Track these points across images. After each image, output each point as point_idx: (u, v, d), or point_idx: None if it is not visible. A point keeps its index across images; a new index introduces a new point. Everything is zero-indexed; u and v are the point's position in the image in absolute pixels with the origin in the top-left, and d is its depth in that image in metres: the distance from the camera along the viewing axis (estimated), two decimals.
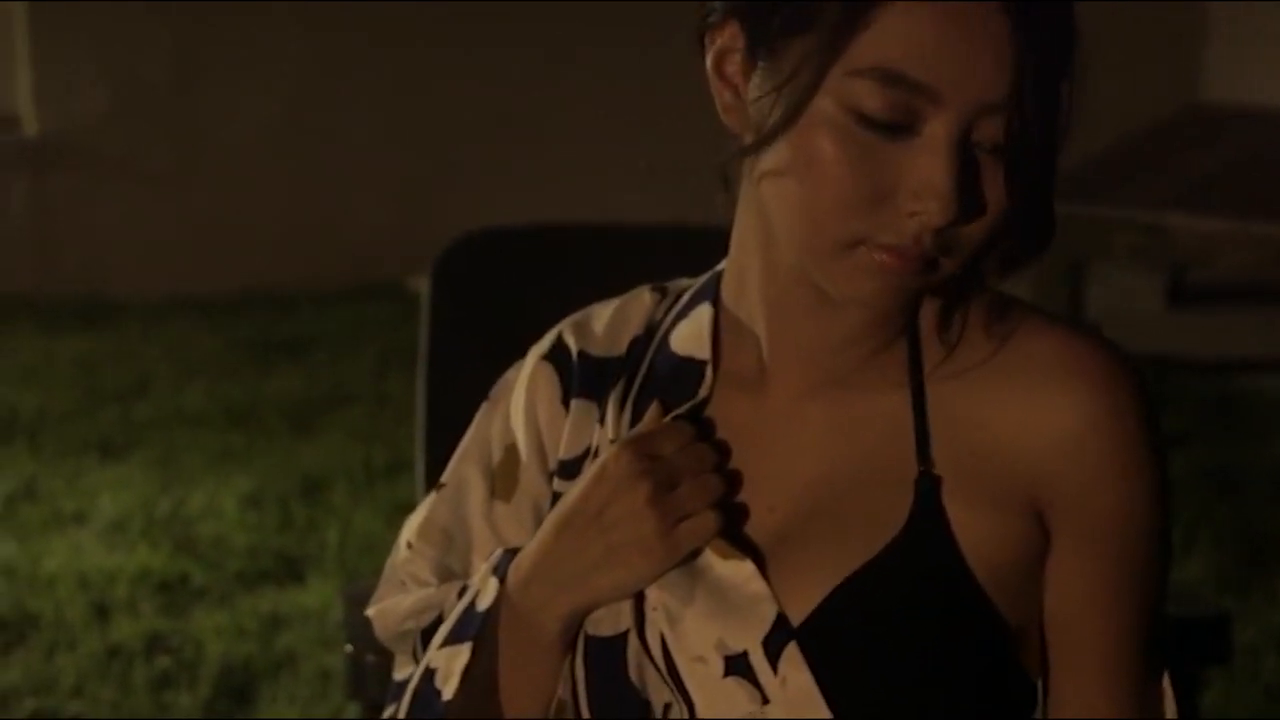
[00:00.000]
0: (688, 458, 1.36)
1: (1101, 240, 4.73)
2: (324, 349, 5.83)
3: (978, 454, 1.34)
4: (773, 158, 1.30)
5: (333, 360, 5.71)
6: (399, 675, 1.52)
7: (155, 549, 4.15)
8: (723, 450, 1.39)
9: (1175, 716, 1.38)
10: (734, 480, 1.38)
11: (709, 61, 1.34)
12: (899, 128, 1.25)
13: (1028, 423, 1.33)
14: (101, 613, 3.84)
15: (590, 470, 1.38)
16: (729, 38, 1.31)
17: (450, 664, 1.41)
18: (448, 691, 1.40)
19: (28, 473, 4.66)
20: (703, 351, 1.41)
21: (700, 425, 1.40)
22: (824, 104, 1.27)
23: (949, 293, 1.35)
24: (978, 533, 1.33)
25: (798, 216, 1.29)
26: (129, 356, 5.72)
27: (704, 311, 1.44)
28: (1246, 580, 3.98)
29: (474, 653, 1.40)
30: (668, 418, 1.40)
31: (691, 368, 1.42)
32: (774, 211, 1.33)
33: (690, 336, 1.44)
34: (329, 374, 5.56)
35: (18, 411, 5.13)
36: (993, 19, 1.24)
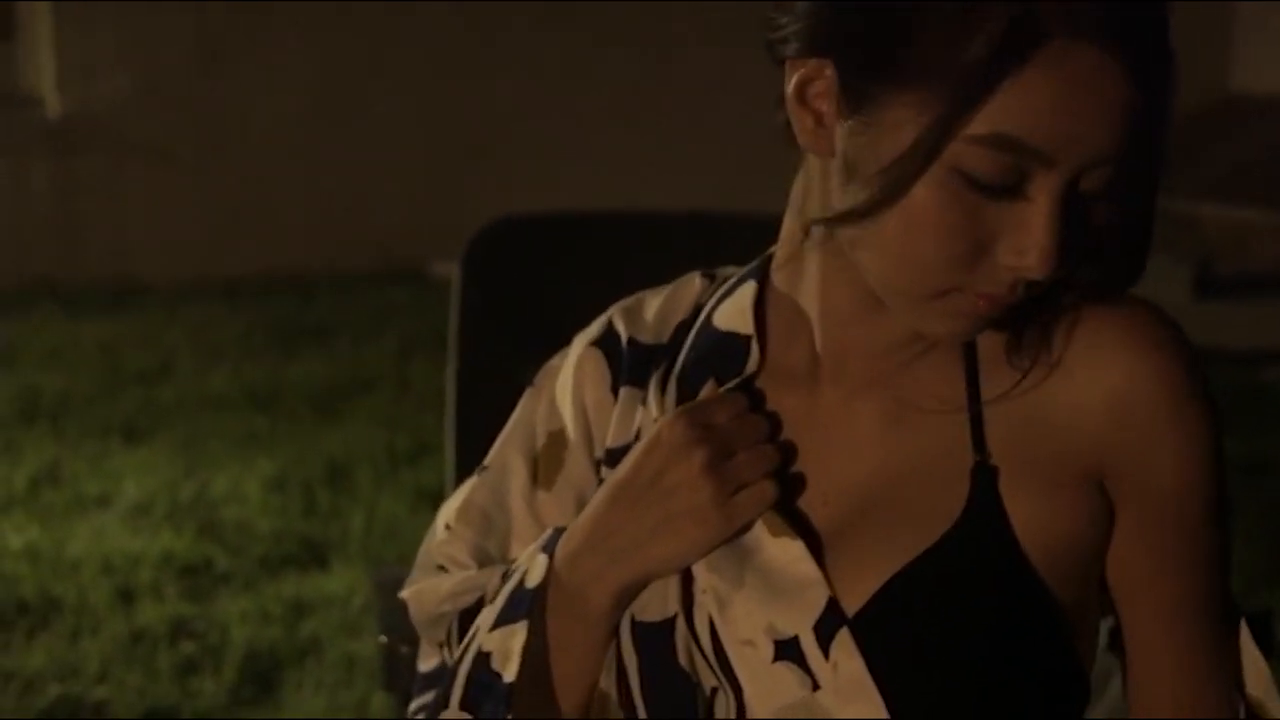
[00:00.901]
0: (743, 427, 1.34)
1: None
2: (347, 334, 5.82)
3: (1033, 437, 1.31)
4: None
5: (356, 345, 5.70)
6: (425, 666, 1.50)
7: (179, 533, 4.14)
8: (775, 427, 1.37)
9: (1263, 665, 1.36)
10: (787, 460, 1.36)
11: (790, 88, 1.27)
12: (1007, 190, 1.21)
13: (1079, 391, 1.30)
14: (126, 597, 3.83)
15: (643, 440, 1.35)
16: (815, 69, 1.26)
17: (507, 644, 1.37)
18: (509, 673, 1.37)
19: (51, 456, 4.66)
20: (745, 327, 1.39)
21: (755, 396, 1.38)
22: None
23: (1019, 318, 1.32)
24: (1034, 519, 1.30)
25: (895, 267, 1.26)
26: (152, 340, 5.72)
27: (748, 289, 1.42)
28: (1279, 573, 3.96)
29: (529, 631, 1.38)
30: (720, 390, 1.38)
31: (735, 343, 1.39)
32: (865, 257, 1.29)
33: (733, 313, 1.40)
34: (352, 359, 5.55)
35: (41, 394, 5.12)
36: (1116, 79, 1.19)
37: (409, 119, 6.81)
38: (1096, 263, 1.27)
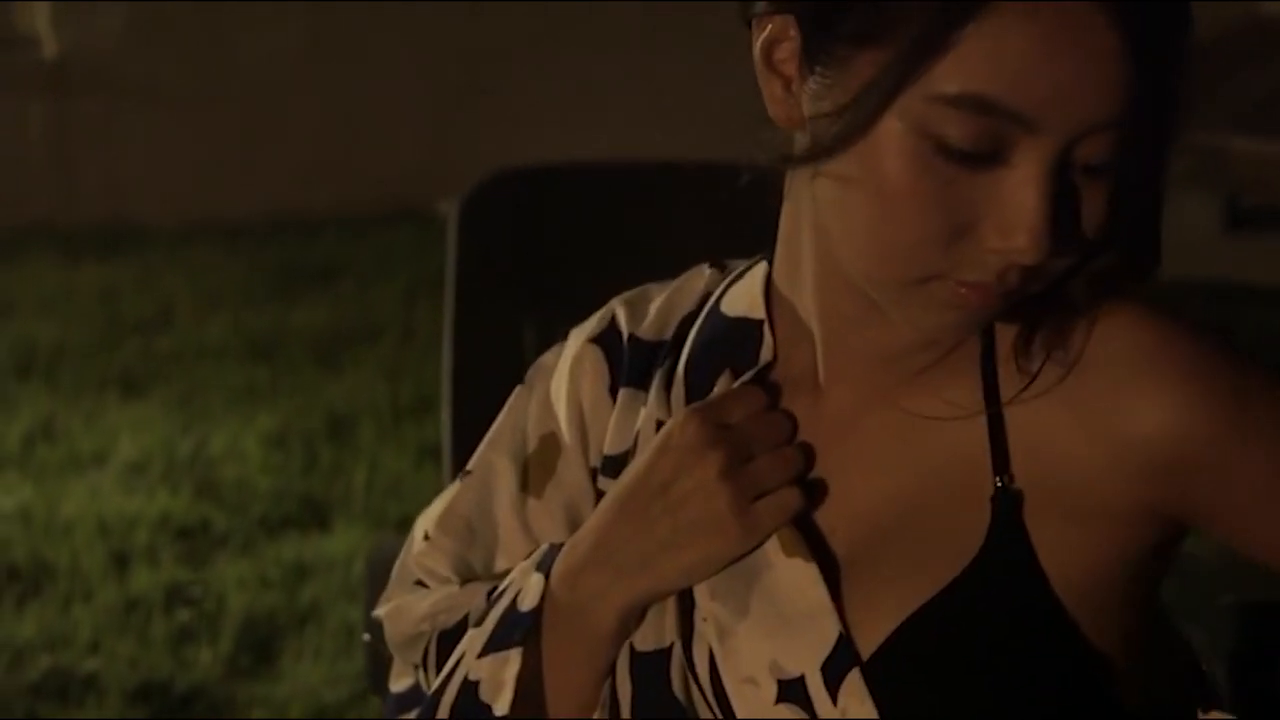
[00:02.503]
0: (761, 426, 1.23)
1: None
2: (352, 277, 5.74)
3: (1061, 464, 1.17)
4: (835, 178, 1.14)
5: (360, 289, 5.62)
6: (398, 686, 1.39)
7: (176, 493, 4.06)
8: (795, 428, 1.24)
9: None
10: (808, 467, 1.23)
11: (756, 49, 1.17)
12: (985, 158, 1.10)
13: (1120, 417, 1.16)
14: (120, 562, 3.74)
15: (653, 442, 1.24)
16: (780, 28, 1.15)
17: (498, 674, 1.26)
18: (501, 705, 1.26)
19: (45, 411, 4.57)
20: (757, 311, 1.28)
21: (770, 393, 1.25)
22: (895, 125, 1.10)
23: (1030, 314, 1.19)
24: (1063, 553, 1.17)
25: (865, 248, 1.15)
26: (152, 286, 5.65)
27: (759, 271, 1.30)
28: None
29: (524, 660, 1.26)
30: (736, 383, 1.26)
31: (747, 329, 1.28)
32: (837, 237, 1.17)
33: (744, 297, 1.30)
34: (356, 304, 5.46)
35: (37, 345, 5.04)
36: (1100, 30, 1.06)
37: (413, 55, 6.73)
38: (1104, 249, 1.14)
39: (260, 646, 3.42)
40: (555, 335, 1.42)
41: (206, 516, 3.94)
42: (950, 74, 1.07)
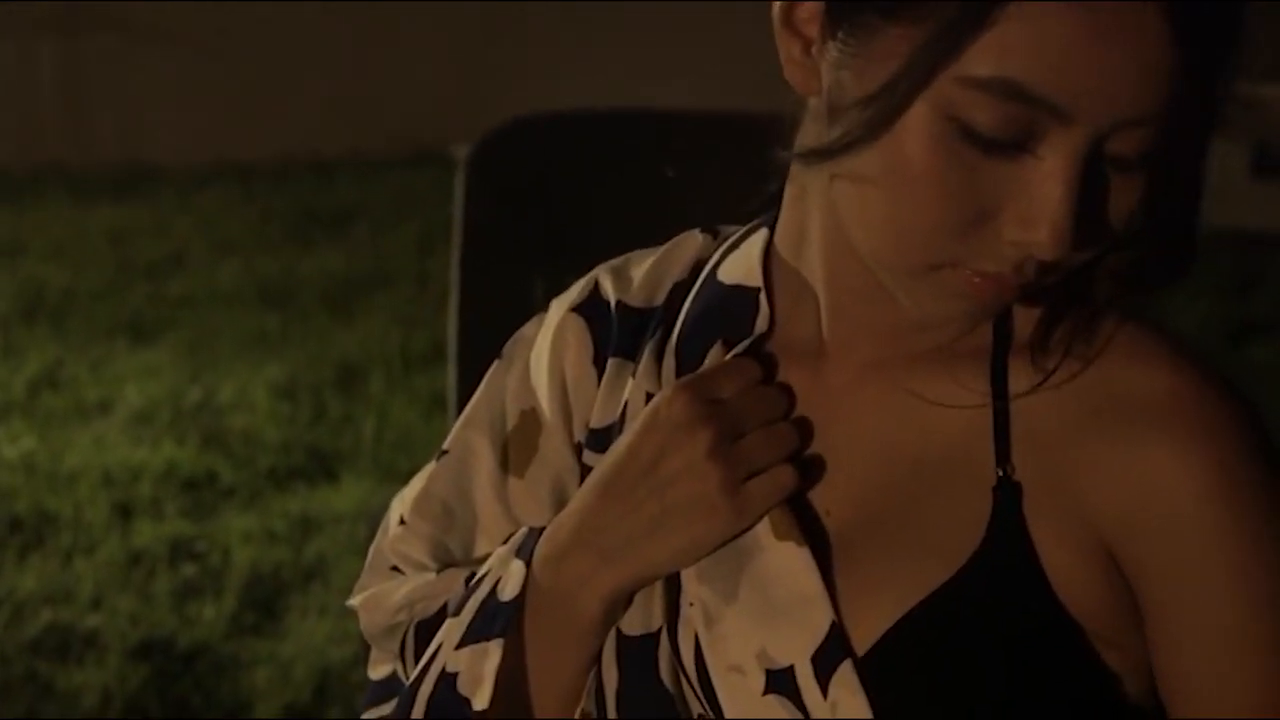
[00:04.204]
0: (754, 401, 1.17)
1: None
2: (366, 221, 5.69)
3: (1061, 462, 1.13)
4: (853, 157, 1.08)
5: (374, 234, 5.57)
6: (377, 673, 1.33)
7: (182, 444, 4.02)
8: (790, 402, 1.19)
9: None
10: (804, 443, 1.18)
11: (775, 9, 1.11)
12: (1012, 146, 1.04)
13: (1113, 467, 1.11)
14: (124, 513, 3.71)
15: (640, 418, 1.17)
16: None
17: (477, 667, 1.21)
18: (480, 699, 1.20)
19: (52, 357, 4.54)
20: (753, 278, 1.22)
21: (765, 365, 1.19)
22: (920, 107, 1.04)
23: (1051, 309, 1.14)
24: (1062, 549, 1.12)
25: (879, 230, 1.09)
26: (163, 229, 5.61)
27: (758, 238, 1.24)
28: None
29: (504, 652, 1.20)
30: (729, 355, 1.20)
31: (743, 298, 1.22)
32: (848, 215, 1.11)
33: (742, 263, 1.24)
34: (370, 250, 5.42)
35: (46, 289, 5.02)
36: (1150, 22, 1.00)
37: None
38: (1133, 248, 1.08)
39: (265, 603, 3.38)
40: (565, 287, 1.36)
41: (212, 468, 3.91)
42: (984, 55, 1.01)
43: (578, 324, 1.28)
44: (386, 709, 1.29)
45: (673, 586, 1.18)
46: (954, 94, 1.01)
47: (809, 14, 1.08)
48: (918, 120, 1.03)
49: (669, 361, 1.22)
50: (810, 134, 1.12)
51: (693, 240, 1.29)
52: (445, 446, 1.32)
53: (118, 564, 3.49)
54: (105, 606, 3.34)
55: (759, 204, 1.28)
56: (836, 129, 1.07)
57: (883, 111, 1.04)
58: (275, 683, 3.11)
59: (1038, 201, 1.03)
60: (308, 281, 5.09)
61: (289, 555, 3.53)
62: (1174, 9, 0.99)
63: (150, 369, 4.46)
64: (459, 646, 1.22)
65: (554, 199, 2.09)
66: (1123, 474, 1.11)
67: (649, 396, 1.20)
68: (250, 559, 3.50)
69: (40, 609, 3.33)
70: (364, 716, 1.32)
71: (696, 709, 1.17)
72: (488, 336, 1.40)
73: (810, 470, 1.17)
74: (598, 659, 1.20)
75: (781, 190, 1.22)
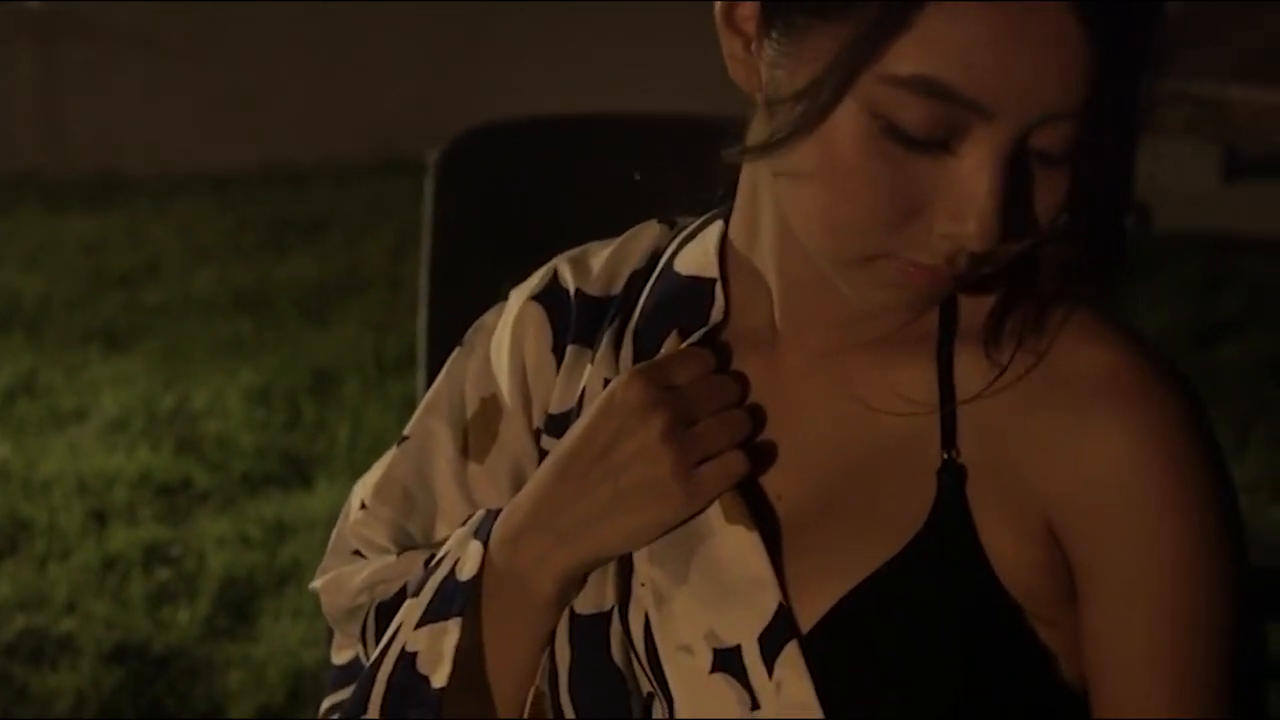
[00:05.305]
0: (707, 388, 1.20)
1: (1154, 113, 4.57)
2: (340, 229, 5.70)
3: (1003, 458, 1.16)
4: (788, 153, 1.11)
5: (349, 241, 5.58)
6: (340, 658, 1.35)
7: (157, 450, 4.02)
8: (743, 390, 1.22)
9: None
10: (756, 430, 1.21)
11: (717, 6, 1.14)
12: (937, 144, 1.07)
13: (1056, 446, 1.14)
14: (98, 519, 3.71)
15: (596, 403, 1.21)
16: None
17: (436, 645, 1.23)
18: (439, 677, 1.23)
19: (27, 365, 4.54)
20: (709, 269, 1.25)
21: (719, 353, 1.23)
22: (849, 104, 1.08)
23: (1001, 302, 1.17)
24: (1004, 534, 1.14)
25: (816, 223, 1.13)
26: (138, 237, 5.61)
27: (713, 230, 1.27)
28: None
29: (462, 631, 1.23)
30: (683, 345, 1.23)
31: (698, 289, 1.25)
32: (789, 209, 1.15)
33: (698, 255, 1.27)
34: (345, 256, 5.43)
35: (20, 298, 5.02)
36: (1062, 18, 1.03)
37: (405, 4, 6.67)
38: (1067, 240, 1.11)
39: (239, 607, 3.39)
40: None
41: (187, 474, 3.91)
42: (905, 55, 1.04)
43: (537, 312, 1.31)
44: (348, 694, 1.30)
45: (625, 567, 1.21)
46: (879, 92, 1.05)
47: (748, 13, 1.12)
48: (847, 117, 1.06)
49: (626, 349, 1.25)
50: (754, 131, 1.16)
51: (650, 230, 1.33)
52: (406, 432, 1.34)
53: (92, 569, 3.50)
54: (80, 611, 3.35)
55: (717, 198, 1.31)
56: (773, 126, 1.10)
57: (811, 109, 1.07)
58: (249, 685, 3.13)
59: (965, 196, 1.06)
60: (282, 288, 5.09)
61: (263, 560, 3.54)
62: (1085, 8, 1.02)
63: (125, 376, 4.46)
64: (418, 626, 1.24)
65: (519, 202, 2.11)
66: (1065, 450, 1.13)
67: (606, 383, 1.23)
68: (224, 563, 3.51)
69: (15, 614, 3.34)
70: (327, 701, 1.34)
71: (646, 687, 1.20)
72: (456, 338, 1.42)
73: (762, 456, 1.20)
74: (552, 637, 1.22)
75: (737, 183, 1.25)
